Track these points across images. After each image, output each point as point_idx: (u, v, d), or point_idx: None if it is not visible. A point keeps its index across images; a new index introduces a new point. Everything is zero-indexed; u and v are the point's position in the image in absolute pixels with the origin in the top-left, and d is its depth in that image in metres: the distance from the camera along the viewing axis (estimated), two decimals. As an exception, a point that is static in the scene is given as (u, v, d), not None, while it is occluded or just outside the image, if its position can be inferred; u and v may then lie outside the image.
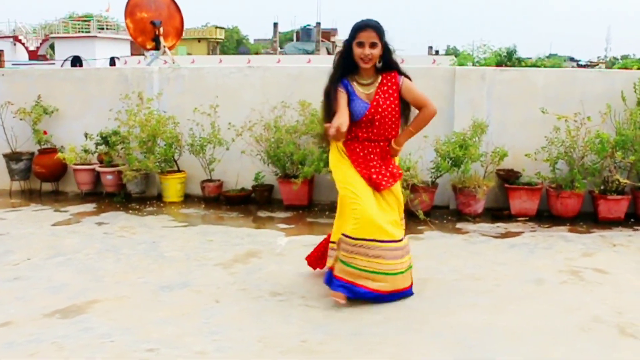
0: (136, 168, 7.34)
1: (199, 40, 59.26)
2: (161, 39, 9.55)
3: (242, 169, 7.62)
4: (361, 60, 4.13)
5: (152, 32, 9.57)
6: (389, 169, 4.29)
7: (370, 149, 4.26)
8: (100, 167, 7.83)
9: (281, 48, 58.56)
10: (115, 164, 7.73)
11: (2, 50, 40.72)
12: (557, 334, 3.80)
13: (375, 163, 4.25)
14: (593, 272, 4.97)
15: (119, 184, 7.66)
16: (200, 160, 7.54)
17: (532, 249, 5.64)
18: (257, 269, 5.01)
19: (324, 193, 7.31)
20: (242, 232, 6.18)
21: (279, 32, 64.77)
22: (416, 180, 6.56)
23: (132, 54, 37.88)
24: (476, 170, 6.82)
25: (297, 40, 59.59)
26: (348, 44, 4.18)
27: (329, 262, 4.37)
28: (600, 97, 6.78)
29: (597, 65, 43.00)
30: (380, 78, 4.24)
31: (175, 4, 10.06)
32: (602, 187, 6.61)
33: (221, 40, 63.53)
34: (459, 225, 6.49)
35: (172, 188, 7.57)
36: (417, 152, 6.60)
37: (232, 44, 69.79)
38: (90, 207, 7.39)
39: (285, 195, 7.23)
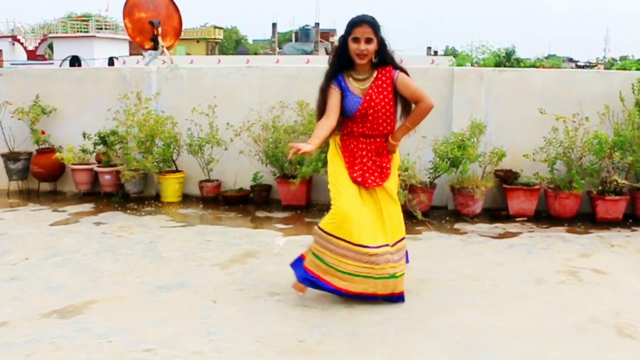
0: (134, 168, 7.33)
1: (198, 40, 59.24)
2: (159, 39, 9.54)
3: (240, 169, 7.62)
4: (357, 56, 4.11)
5: (150, 32, 9.56)
6: (381, 166, 4.23)
7: (363, 145, 4.23)
8: (98, 167, 7.82)
9: (280, 48, 58.55)
10: (113, 164, 7.73)
11: (0, 50, 40.69)
12: (555, 335, 3.80)
13: (365, 160, 4.21)
14: (591, 272, 4.97)
15: (117, 184, 7.65)
16: (198, 160, 7.53)
17: (530, 249, 5.64)
18: (255, 269, 5.01)
19: (322, 193, 7.28)
20: (240, 232, 6.18)
21: (278, 33, 64.79)
22: (414, 180, 6.56)
23: (130, 54, 37.86)
24: (474, 171, 6.82)
25: (296, 40, 59.55)
26: (343, 39, 4.17)
27: (305, 250, 4.36)
28: (598, 97, 6.79)
29: (596, 66, 43.00)
30: (375, 73, 4.22)
31: (173, 4, 10.05)
32: (600, 188, 6.62)
33: (220, 41, 63.51)
34: (457, 225, 6.49)
35: (171, 188, 7.57)
36: (416, 153, 6.60)
37: (231, 44, 69.81)
38: (88, 207, 7.38)
39: (284, 195, 7.22)
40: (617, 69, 29.34)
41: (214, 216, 6.93)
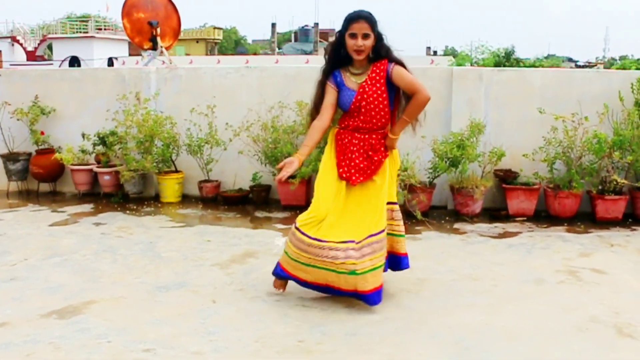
0: (134, 168, 7.33)
1: (197, 40, 59.25)
2: (158, 39, 9.53)
3: (239, 169, 7.62)
4: (354, 52, 4.11)
5: (149, 32, 9.55)
6: (373, 161, 4.19)
7: (357, 141, 4.22)
8: (97, 167, 7.82)
9: (279, 48, 58.58)
10: (112, 164, 7.73)
11: (0, 51, 40.67)
12: (555, 334, 3.80)
13: (356, 155, 4.20)
14: (591, 272, 4.97)
15: (117, 184, 7.65)
16: (197, 160, 7.53)
17: (529, 249, 5.64)
18: (255, 270, 5.00)
19: (322, 193, 7.29)
20: (240, 233, 6.17)
21: (277, 33, 64.82)
22: (414, 180, 6.55)
23: (130, 55, 37.86)
24: (474, 171, 6.82)
25: (295, 40, 59.62)
26: (340, 35, 4.17)
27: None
28: (597, 97, 6.78)
29: (596, 65, 43.01)
30: (371, 67, 4.21)
31: (172, 4, 10.04)
32: (599, 187, 6.62)
33: (219, 41, 63.50)
34: (456, 225, 6.49)
35: (170, 188, 7.57)
36: (415, 153, 6.60)
37: (230, 44, 69.79)
38: (87, 207, 7.38)
39: (283, 195, 7.22)
40: (617, 68, 29.35)
41: (213, 216, 6.93)
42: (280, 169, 4.18)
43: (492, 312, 4.15)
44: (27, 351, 3.55)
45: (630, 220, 6.57)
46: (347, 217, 4.18)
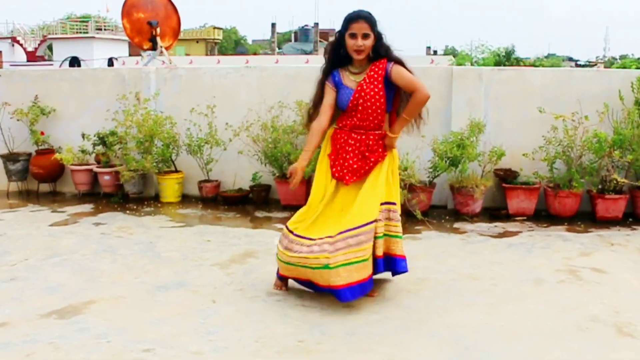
0: (133, 168, 7.33)
1: (197, 40, 59.26)
2: (158, 39, 9.53)
3: (239, 169, 7.62)
4: (354, 51, 4.12)
5: (149, 32, 9.56)
6: (370, 161, 4.21)
7: (353, 141, 4.23)
8: (97, 167, 7.82)
9: (279, 48, 58.58)
10: (112, 164, 7.73)
11: (0, 52, 40.68)
12: (555, 334, 3.80)
13: (350, 156, 4.21)
14: (591, 271, 4.97)
15: (117, 184, 7.65)
16: (197, 160, 7.53)
17: (529, 248, 5.63)
18: (254, 269, 5.00)
19: (322, 193, 7.29)
20: (240, 233, 6.17)
21: (277, 33, 64.81)
22: (414, 180, 6.55)
23: (130, 55, 37.85)
24: (474, 170, 6.81)
25: (295, 40, 59.65)
26: (340, 35, 4.18)
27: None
28: (597, 96, 6.78)
29: (596, 65, 43.02)
30: (370, 66, 4.22)
31: (172, 4, 10.05)
32: (600, 187, 6.61)
33: (219, 41, 63.51)
34: (456, 225, 6.49)
35: (170, 188, 7.57)
36: (415, 152, 6.59)
37: (230, 44, 69.78)
38: (87, 207, 7.38)
39: (283, 195, 7.22)
40: (617, 67, 29.33)
41: (213, 216, 6.93)
42: (290, 175, 4.39)
43: (492, 312, 4.14)
44: (27, 351, 3.55)
45: (630, 219, 6.57)
46: (333, 213, 4.25)
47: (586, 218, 6.60)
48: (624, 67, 24.62)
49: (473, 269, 5.02)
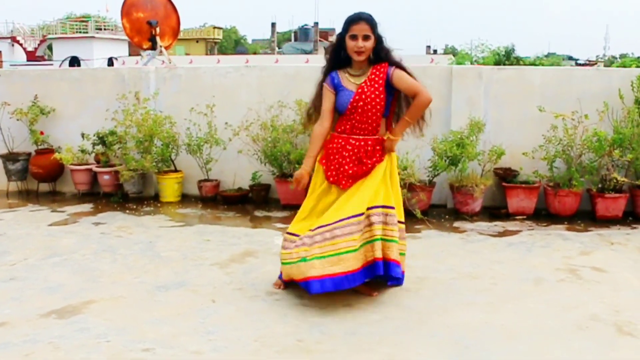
0: (133, 168, 7.33)
1: (197, 40, 59.23)
2: (157, 38, 9.53)
3: (239, 169, 7.62)
4: (355, 53, 4.13)
5: (148, 32, 9.55)
6: (367, 165, 4.22)
7: (350, 147, 4.23)
8: (97, 167, 7.82)
9: (279, 48, 58.56)
10: (112, 164, 7.73)
11: (0, 51, 40.68)
12: (555, 333, 3.79)
13: (347, 160, 4.22)
14: (591, 270, 4.96)
15: (116, 184, 7.65)
16: (197, 160, 7.53)
17: (529, 247, 5.63)
18: (254, 269, 5.00)
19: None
20: (239, 232, 6.17)
21: (277, 32, 64.79)
22: (413, 179, 6.55)
23: (130, 54, 37.84)
24: (473, 169, 6.81)
25: (295, 40, 59.58)
26: (341, 37, 4.19)
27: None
28: (597, 95, 6.77)
29: (596, 64, 42.99)
30: (371, 69, 4.23)
31: (171, 3, 10.04)
32: (599, 186, 6.61)
33: (219, 41, 63.48)
34: (456, 224, 6.48)
35: (169, 188, 7.56)
36: (414, 151, 6.59)
37: (230, 44, 69.74)
38: (87, 207, 7.38)
39: (283, 194, 7.22)
40: (617, 66, 29.32)
41: (212, 216, 6.93)
42: (295, 180, 4.41)
43: (492, 311, 4.14)
44: (27, 351, 3.55)
45: (630, 218, 6.57)
46: (321, 211, 4.30)
47: (586, 217, 6.60)
48: (624, 66, 24.61)
49: (473, 268, 5.02)
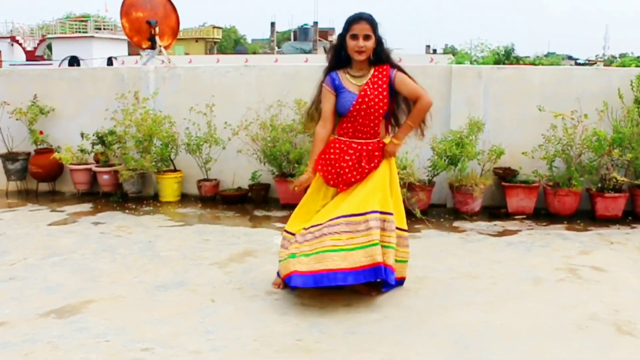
0: (132, 168, 7.33)
1: (197, 40, 59.22)
2: (157, 38, 9.53)
3: (238, 168, 7.61)
4: (355, 52, 4.13)
5: (147, 31, 9.57)
6: (362, 172, 4.23)
7: (352, 150, 4.23)
8: (96, 166, 7.81)
9: (279, 48, 58.52)
10: (111, 163, 7.72)
11: (-1, 51, 40.72)
12: (554, 332, 3.79)
13: (345, 164, 4.22)
14: (590, 270, 4.96)
15: (116, 183, 7.65)
16: (196, 159, 7.52)
17: (529, 247, 5.63)
18: (253, 268, 5.00)
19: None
20: (239, 232, 6.17)
21: (277, 32, 64.77)
22: (413, 178, 6.55)
23: (129, 54, 37.82)
24: (473, 169, 6.81)
25: (295, 39, 59.54)
26: (341, 37, 4.19)
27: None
28: (597, 94, 6.77)
29: (595, 63, 43.02)
30: (372, 70, 4.23)
31: (171, 3, 10.06)
32: (599, 185, 6.61)
33: (219, 40, 63.49)
34: (455, 223, 6.48)
35: (169, 187, 7.56)
36: (414, 151, 6.59)
37: (230, 43, 69.71)
38: (86, 207, 7.37)
39: (282, 194, 7.21)
40: (617, 66, 29.32)
41: (212, 215, 6.92)
42: (299, 185, 4.43)
43: (492, 311, 4.14)
44: (26, 350, 3.55)
45: (629, 217, 6.57)
46: (317, 210, 4.33)
47: (586, 216, 6.60)
48: (624, 66, 24.63)
49: (472, 268, 5.02)
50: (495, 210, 6.83)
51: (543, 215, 6.73)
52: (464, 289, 4.53)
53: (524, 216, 6.69)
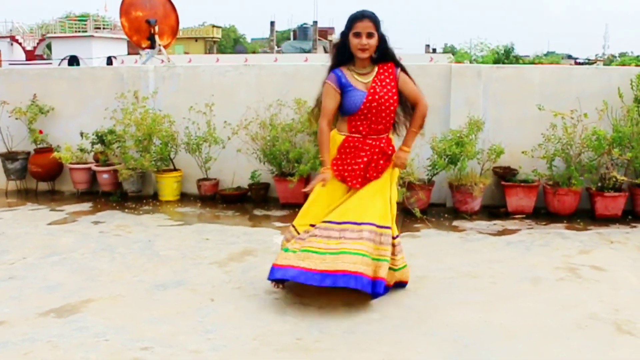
0: (132, 167, 7.32)
1: (196, 39, 59.23)
2: (156, 37, 9.53)
3: (238, 168, 7.61)
4: (359, 50, 4.11)
5: (147, 30, 9.57)
6: (377, 168, 4.24)
7: (367, 147, 4.21)
8: (96, 166, 7.81)
9: (278, 47, 58.52)
10: (111, 162, 7.72)
11: (-1, 50, 40.70)
12: (554, 332, 3.79)
13: (359, 161, 4.21)
14: (590, 269, 4.96)
15: (115, 183, 7.64)
16: (196, 158, 7.52)
17: (528, 246, 5.63)
18: (253, 268, 4.99)
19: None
20: (238, 231, 6.17)
21: (276, 31, 64.75)
22: (412, 177, 6.55)
23: (129, 53, 37.81)
24: (473, 168, 6.81)
25: (294, 39, 59.53)
26: (344, 35, 4.17)
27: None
28: (596, 94, 6.77)
29: (595, 62, 43.03)
30: (376, 68, 4.23)
31: (170, 2, 10.06)
32: (599, 184, 6.60)
33: (218, 40, 63.50)
34: (455, 222, 6.48)
35: (168, 187, 7.56)
36: (414, 150, 6.49)
37: (229, 43, 69.72)
38: (86, 206, 7.37)
39: (282, 193, 7.21)
40: (617, 65, 29.32)
41: (211, 215, 6.92)
42: (323, 181, 4.26)
43: (491, 310, 4.14)
44: (25, 350, 3.54)
45: (629, 217, 6.56)
46: (324, 207, 4.34)
47: (585, 216, 6.60)
48: (624, 65, 24.63)
49: (472, 267, 5.01)
50: (494, 210, 6.83)
51: (543, 214, 6.72)
52: (464, 288, 4.53)
53: (524, 215, 6.69)
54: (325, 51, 48.88)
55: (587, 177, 6.57)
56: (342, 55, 4.23)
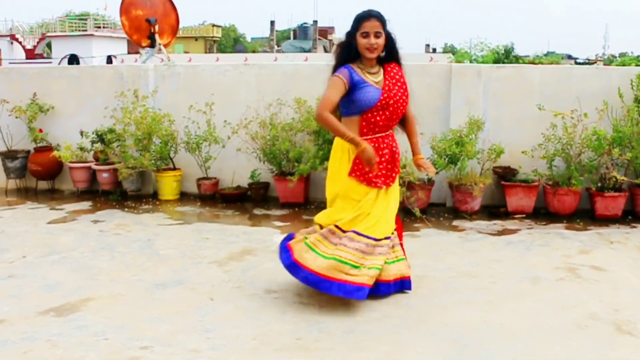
0: (132, 166, 7.32)
1: (196, 38, 59.21)
2: (156, 36, 9.53)
3: (238, 167, 7.61)
4: (367, 50, 4.09)
5: (147, 29, 9.57)
6: (395, 161, 4.27)
7: (385, 145, 4.19)
8: (96, 165, 7.81)
9: (278, 46, 58.50)
10: (111, 161, 7.72)
11: (-1, 49, 40.66)
12: (553, 332, 3.79)
13: (386, 159, 4.19)
14: (590, 269, 4.96)
15: (115, 181, 7.64)
16: (196, 158, 7.51)
17: (528, 246, 5.63)
18: (253, 267, 4.99)
19: (320, 190, 7.20)
20: (238, 230, 6.16)
21: (276, 31, 64.73)
22: (412, 177, 6.54)
23: (129, 52, 37.79)
24: (472, 168, 6.80)
25: (294, 38, 59.52)
26: (350, 35, 4.15)
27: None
28: (597, 93, 6.77)
29: (595, 62, 42.99)
30: (383, 67, 4.23)
31: (170, 1, 10.06)
32: (599, 184, 6.60)
33: (218, 39, 63.47)
34: (455, 222, 6.48)
35: (168, 186, 7.55)
36: (414, 150, 6.57)
37: (229, 42, 69.71)
38: (86, 205, 7.37)
39: (281, 192, 7.21)
40: (617, 65, 29.32)
41: (211, 214, 6.92)
42: (369, 163, 4.09)
43: (491, 310, 4.13)
44: (25, 348, 3.54)
45: (629, 217, 6.56)
46: (347, 201, 4.27)
47: (585, 216, 6.60)
48: (624, 65, 24.63)
49: (472, 267, 5.01)
50: (494, 210, 6.83)
51: (543, 214, 6.72)
52: (464, 288, 4.53)
53: (524, 215, 6.68)
54: (326, 51, 48.89)
55: (587, 177, 6.57)
56: (348, 54, 4.19)
